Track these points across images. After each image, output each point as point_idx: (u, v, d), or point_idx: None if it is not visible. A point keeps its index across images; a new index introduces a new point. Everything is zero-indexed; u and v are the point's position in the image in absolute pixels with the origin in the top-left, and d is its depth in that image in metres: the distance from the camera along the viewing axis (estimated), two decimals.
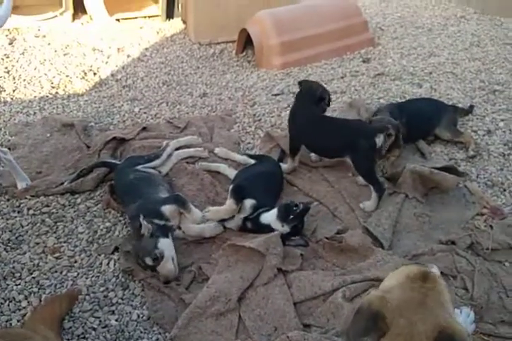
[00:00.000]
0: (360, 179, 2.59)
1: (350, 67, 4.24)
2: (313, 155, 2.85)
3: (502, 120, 3.22)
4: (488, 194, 2.55)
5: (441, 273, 1.95)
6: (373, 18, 5.44)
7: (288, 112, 3.17)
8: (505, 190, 2.58)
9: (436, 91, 3.65)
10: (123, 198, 2.41)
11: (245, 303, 1.86)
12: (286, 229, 2.17)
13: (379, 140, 2.38)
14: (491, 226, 2.25)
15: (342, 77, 4.04)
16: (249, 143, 3.14)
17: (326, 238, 2.16)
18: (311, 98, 2.68)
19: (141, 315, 1.90)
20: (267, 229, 2.20)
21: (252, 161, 2.72)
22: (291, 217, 2.14)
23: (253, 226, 2.24)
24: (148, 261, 2.00)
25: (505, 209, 2.41)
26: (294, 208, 2.14)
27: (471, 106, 3.32)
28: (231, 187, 2.34)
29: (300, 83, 2.82)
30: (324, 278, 1.93)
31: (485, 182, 2.64)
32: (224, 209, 2.24)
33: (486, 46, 4.52)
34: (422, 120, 2.89)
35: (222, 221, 2.27)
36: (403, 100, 3.49)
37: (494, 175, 2.69)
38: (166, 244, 2.09)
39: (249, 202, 2.24)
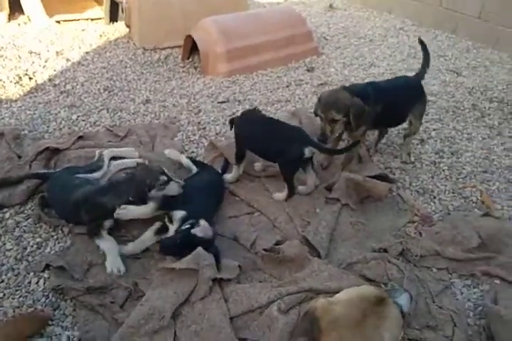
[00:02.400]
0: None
1: (295, 75, 4.32)
2: (257, 164, 2.86)
3: (434, 129, 3.40)
4: (419, 201, 2.67)
5: (373, 280, 2.05)
6: (318, 28, 5.59)
7: None
8: (435, 198, 2.71)
9: None
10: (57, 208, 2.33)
11: (180, 320, 1.83)
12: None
13: (308, 150, 2.44)
14: (420, 233, 2.36)
15: (287, 86, 4.10)
16: (192, 152, 3.11)
17: (264, 249, 2.18)
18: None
19: (71, 337, 1.83)
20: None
21: (194, 168, 2.73)
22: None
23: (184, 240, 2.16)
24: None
25: (435, 216, 2.54)
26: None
27: None
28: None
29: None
30: (261, 291, 1.93)
31: (417, 190, 2.77)
32: (140, 208, 2.26)
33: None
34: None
35: (159, 234, 2.23)
36: None
37: (425, 183, 2.83)
38: None
39: (179, 214, 2.21)
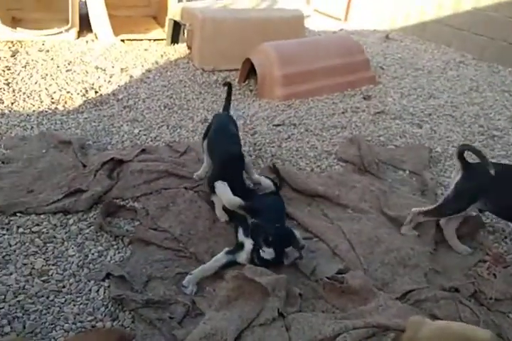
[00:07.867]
0: None
1: (351, 102, 4.29)
2: None
3: None
4: (489, 240, 2.52)
5: None
6: (374, 57, 5.58)
7: (288, 143, 3.21)
8: (506, 238, 2.55)
9: (436, 133, 3.69)
10: None
11: None
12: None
13: None
14: (495, 275, 2.21)
15: (343, 112, 4.07)
16: None
17: (327, 278, 2.09)
18: None
19: None
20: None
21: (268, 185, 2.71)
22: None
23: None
24: None
25: (507, 257, 2.37)
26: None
27: None
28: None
29: None
30: (324, 322, 1.83)
31: (487, 229, 2.61)
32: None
33: (485, 92, 4.63)
34: None
35: (230, 254, 2.20)
36: (403, 139, 3.54)
37: (495, 221, 2.67)
38: None
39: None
